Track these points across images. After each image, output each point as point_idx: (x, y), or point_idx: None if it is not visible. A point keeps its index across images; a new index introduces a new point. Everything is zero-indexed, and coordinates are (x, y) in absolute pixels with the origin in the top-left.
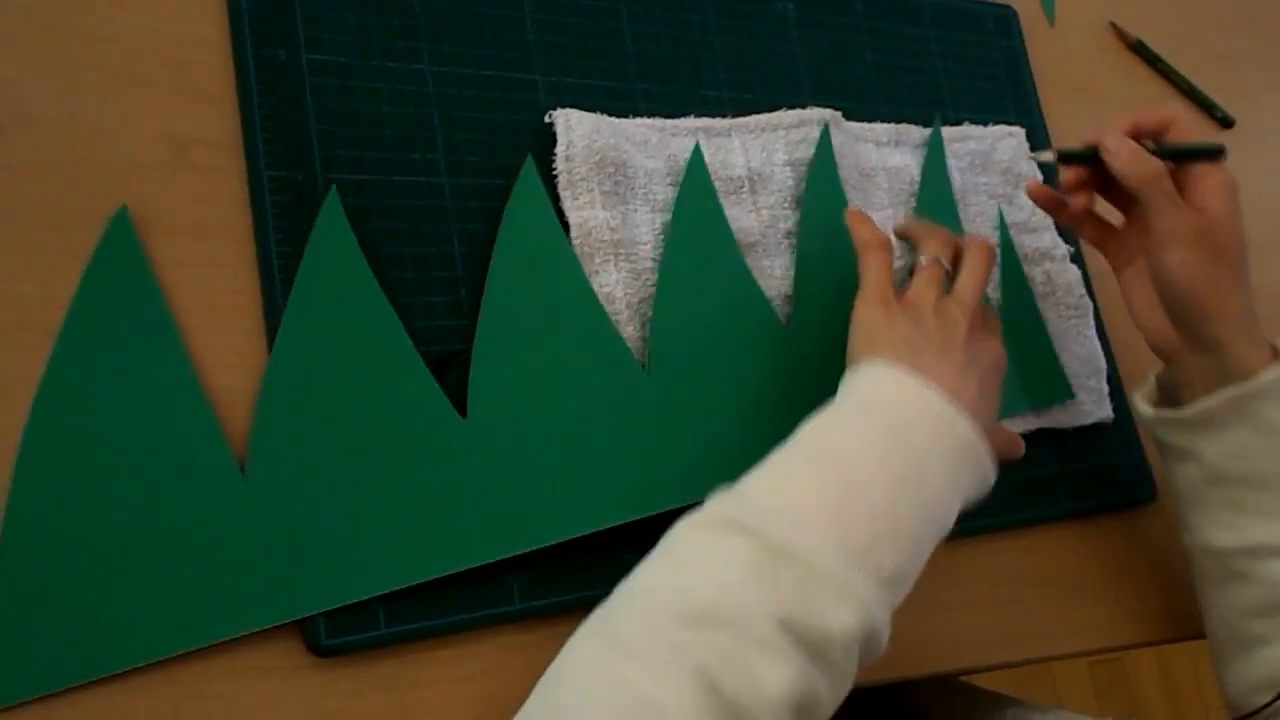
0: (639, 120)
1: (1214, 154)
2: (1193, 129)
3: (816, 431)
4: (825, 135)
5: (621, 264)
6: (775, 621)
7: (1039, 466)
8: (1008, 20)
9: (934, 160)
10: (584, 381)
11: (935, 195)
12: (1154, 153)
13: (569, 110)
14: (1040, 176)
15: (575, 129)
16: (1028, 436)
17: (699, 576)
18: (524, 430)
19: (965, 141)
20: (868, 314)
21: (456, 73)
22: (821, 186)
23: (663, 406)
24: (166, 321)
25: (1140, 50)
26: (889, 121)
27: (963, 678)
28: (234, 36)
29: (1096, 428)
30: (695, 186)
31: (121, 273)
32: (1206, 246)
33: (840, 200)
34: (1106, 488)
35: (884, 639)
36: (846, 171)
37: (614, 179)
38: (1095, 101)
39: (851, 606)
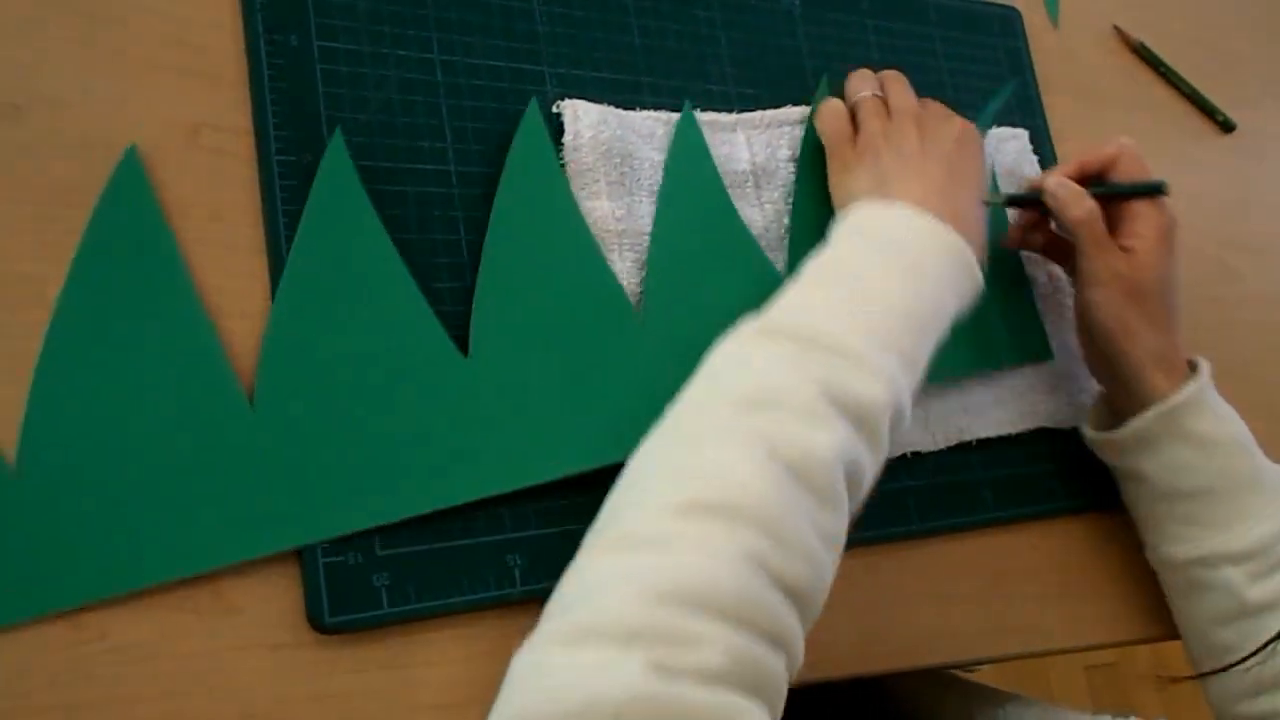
0: (645, 113)
1: (1153, 191)
2: (1137, 163)
3: (820, 257)
4: (822, 88)
5: (626, 253)
6: (817, 394)
7: (1038, 463)
8: (1012, 21)
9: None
10: (581, 324)
11: None
12: (1094, 194)
13: (576, 101)
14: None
15: (582, 119)
16: (1027, 435)
17: (741, 376)
18: (524, 370)
19: None
20: (834, 180)
21: (465, 62)
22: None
23: (657, 353)
24: (175, 258)
25: (1143, 53)
26: None
27: (958, 673)
28: (246, 22)
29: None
30: (686, 142)
31: (131, 208)
32: (1122, 289)
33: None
34: (1105, 485)
35: (908, 416)
36: None
37: (620, 169)
38: (1098, 104)
39: (880, 379)
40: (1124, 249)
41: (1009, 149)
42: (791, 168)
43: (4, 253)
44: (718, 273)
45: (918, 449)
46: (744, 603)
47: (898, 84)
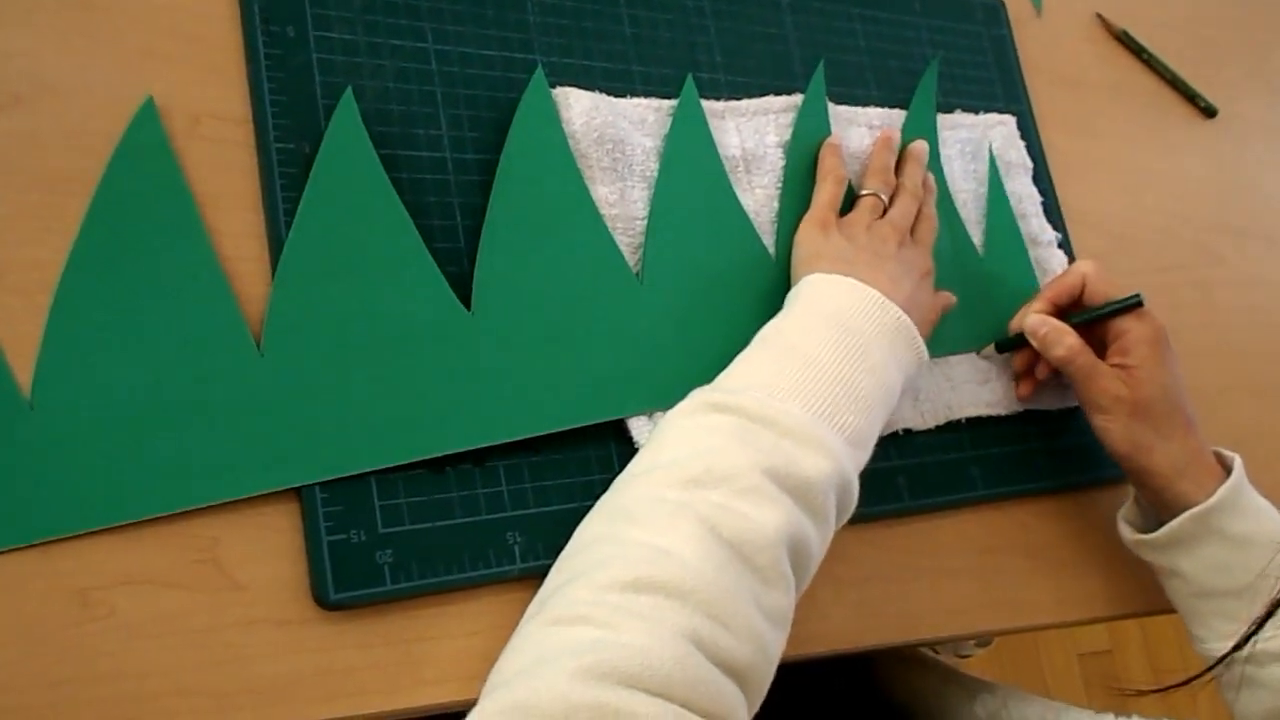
0: (636, 100)
1: (1131, 306)
2: (1105, 282)
3: (771, 331)
4: (818, 76)
5: (620, 237)
6: (760, 472)
7: (1026, 443)
8: (996, 10)
9: (923, 99)
10: (582, 282)
11: (921, 122)
12: (1076, 323)
13: (568, 88)
14: (1030, 164)
15: (574, 106)
16: (1015, 417)
17: (688, 450)
18: (524, 326)
19: (957, 130)
20: (807, 234)
21: (459, 51)
22: (812, 121)
23: (654, 314)
24: (189, 206)
25: (1125, 40)
26: (881, 106)
27: (954, 661)
28: (244, 13)
29: (1080, 409)
30: (687, 115)
31: (147, 157)
32: (1126, 411)
33: (823, 132)
34: (1091, 464)
35: (855, 492)
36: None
37: (612, 155)
38: (1082, 90)
39: (824, 455)
40: (1118, 367)
41: (995, 135)
42: (780, 154)
43: (10, 239)
44: (714, 239)
45: (908, 426)
46: (684, 682)
47: (905, 201)
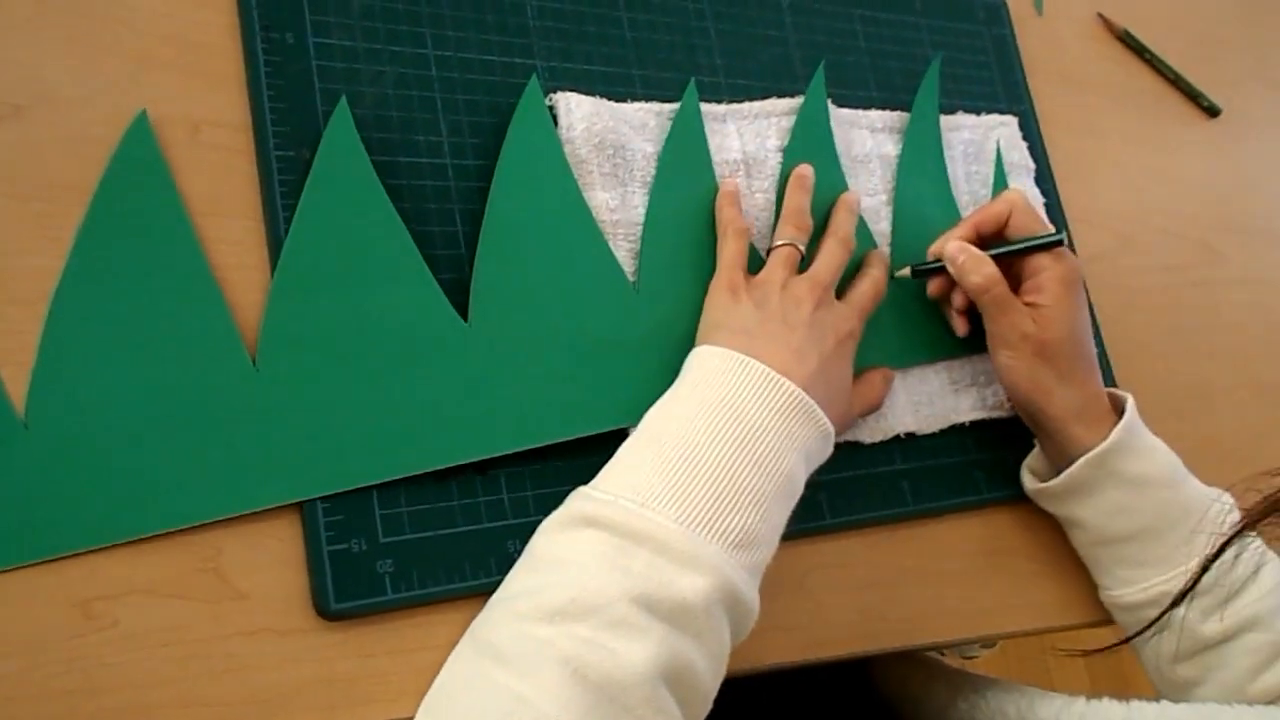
0: (637, 104)
1: (1052, 244)
2: (1030, 215)
3: (655, 417)
4: (818, 78)
5: (620, 243)
6: (629, 601)
7: (1031, 445)
8: (997, 9)
9: (926, 100)
10: (579, 293)
11: (923, 139)
12: (995, 255)
13: (569, 93)
14: (1032, 164)
15: (575, 111)
16: (1019, 419)
17: (556, 575)
18: (522, 336)
19: (960, 131)
20: (713, 300)
21: (459, 57)
22: (811, 125)
23: (651, 323)
24: (183, 220)
25: (1127, 40)
26: (883, 109)
27: (956, 660)
28: (243, 21)
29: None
30: (686, 121)
31: (140, 172)
32: (1031, 349)
33: (823, 135)
34: None
35: (748, 598)
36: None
37: (613, 161)
38: (1085, 90)
39: (702, 572)
40: (1030, 305)
41: (999, 135)
42: (779, 157)
43: (12, 248)
44: (709, 246)
45: (911, 430)
46: None
47: (833, 252)
